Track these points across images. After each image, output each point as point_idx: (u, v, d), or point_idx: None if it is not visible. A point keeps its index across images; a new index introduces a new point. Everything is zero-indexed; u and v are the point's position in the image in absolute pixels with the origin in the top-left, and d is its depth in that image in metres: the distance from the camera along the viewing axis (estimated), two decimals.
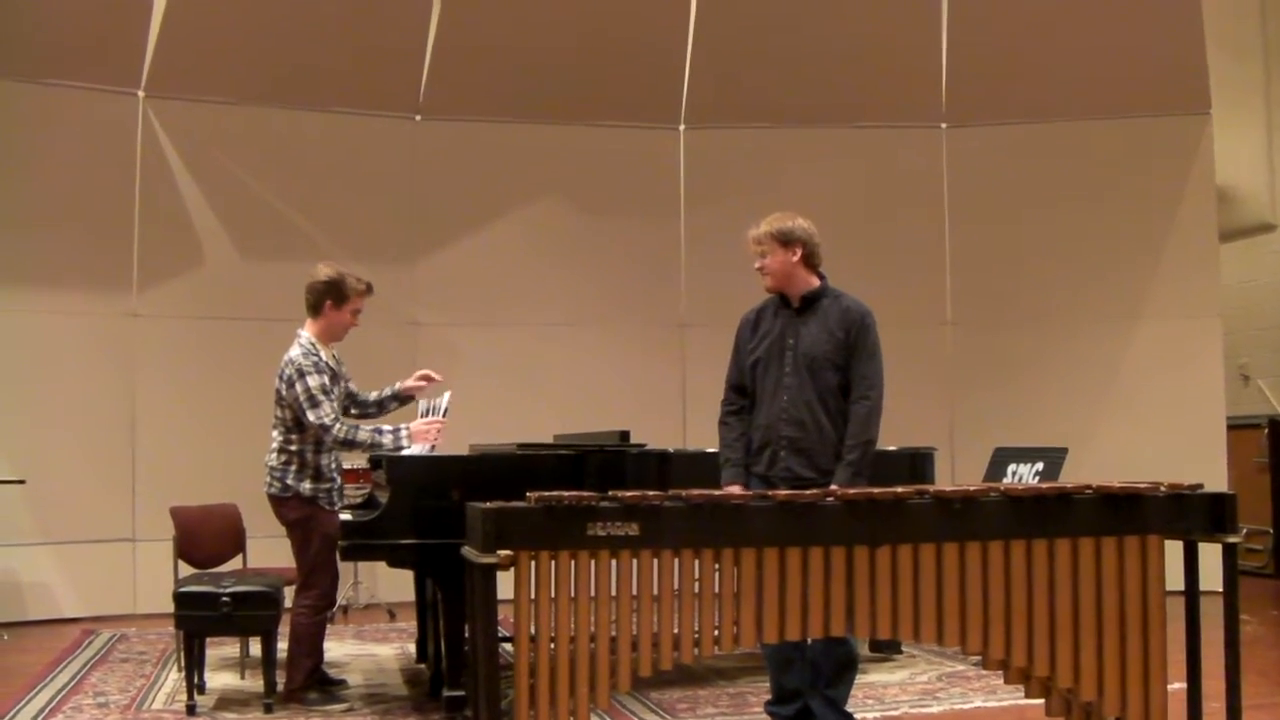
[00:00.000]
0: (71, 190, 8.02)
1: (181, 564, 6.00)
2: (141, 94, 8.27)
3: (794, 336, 4.52)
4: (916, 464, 6.03)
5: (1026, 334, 8.87)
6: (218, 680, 5.79)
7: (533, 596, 3.42)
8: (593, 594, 3.45)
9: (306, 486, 5.13)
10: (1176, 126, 8.78)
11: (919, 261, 9.03)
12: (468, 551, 3.58)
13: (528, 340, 8.84)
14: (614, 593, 3.48)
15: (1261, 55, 9.98)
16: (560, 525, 3.46)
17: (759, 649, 4.51)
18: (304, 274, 5.40)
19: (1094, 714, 3.77)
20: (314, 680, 5.26)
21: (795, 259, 4.52)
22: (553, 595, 3.43)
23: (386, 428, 5.17)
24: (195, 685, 5.21)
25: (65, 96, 7.99)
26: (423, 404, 5.42)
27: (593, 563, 3.46)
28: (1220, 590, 3.89)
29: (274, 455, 5.19)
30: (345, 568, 6.80)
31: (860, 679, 5.18)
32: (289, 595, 5.29)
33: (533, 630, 3.43)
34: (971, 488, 3.80)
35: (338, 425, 5.07)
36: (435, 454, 5.23)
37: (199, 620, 5.11)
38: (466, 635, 4.61)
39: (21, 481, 7.41)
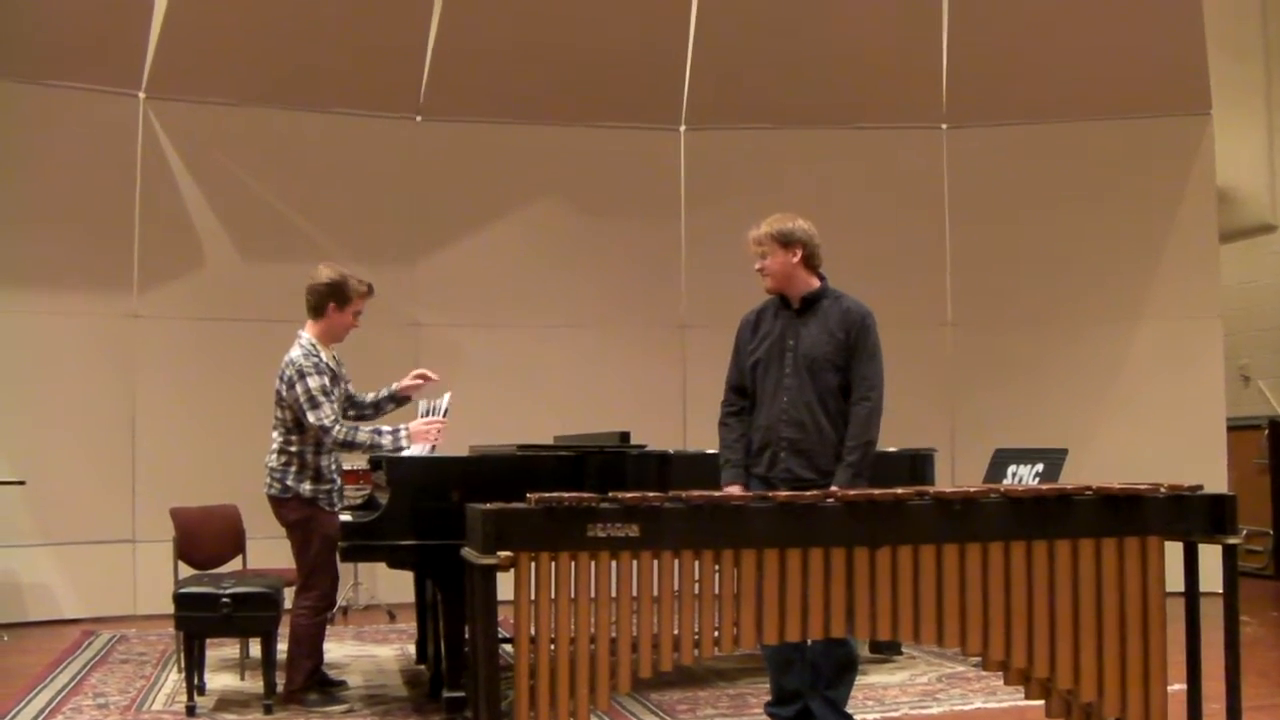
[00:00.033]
0: (72, 191, 8.02)
1: (181, 565, 6.00)
2: (142, 95, 8.27)
3: (794, 338, 4.52)
4: (916, 465, 6.04)
5: (1027, 335, 8.87)
6: (217, 681, 5.79)
7: (533, 598, 3.42)
8: (593, 595, 3.45)
9: (306, 488, 5.13)
10: (1177, 127, 8.78)
11: (919, 262, 9.03)
12: (468, 553, 3.58)
13: (528, 341, 8.84)
14: (614, 594, 3.48)
15: (1262, 56, 9.99)
16: (560, 526, 3.46)
17: (759, 650, 4.51)
18: (304, 275, 5.39)
19: (1094, 715, 3.77)
20: (314, 681, 5.26)
21: (795, 260, 4.52)
22: (553, 596, 3.43)
23: (386, 428, 5.17)
24: (195, 686, 5.21)
25: (66, 97, 7.99)
26: (423, 404, 5.42)
27: (593, 564, 3.46)
28: (1220, 591, 3.89)
29: (274, 456, 5.19)
30: (345, 569, 6.81)
31: (860, 680, 5.18)
32: (289, 596, 5.28)
33: (533, 631, 3.43)
34: (971, 489, 3.80)
35: (337, 427, 5.07)
36: (435, 455, 5.23)
37: (199, 621, 5.11)
38: (466, 636, 4.61)
39: (22, 482, 7.41)
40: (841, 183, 8.85)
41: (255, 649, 5.67)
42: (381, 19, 8.38)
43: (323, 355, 5.20)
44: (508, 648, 4.79)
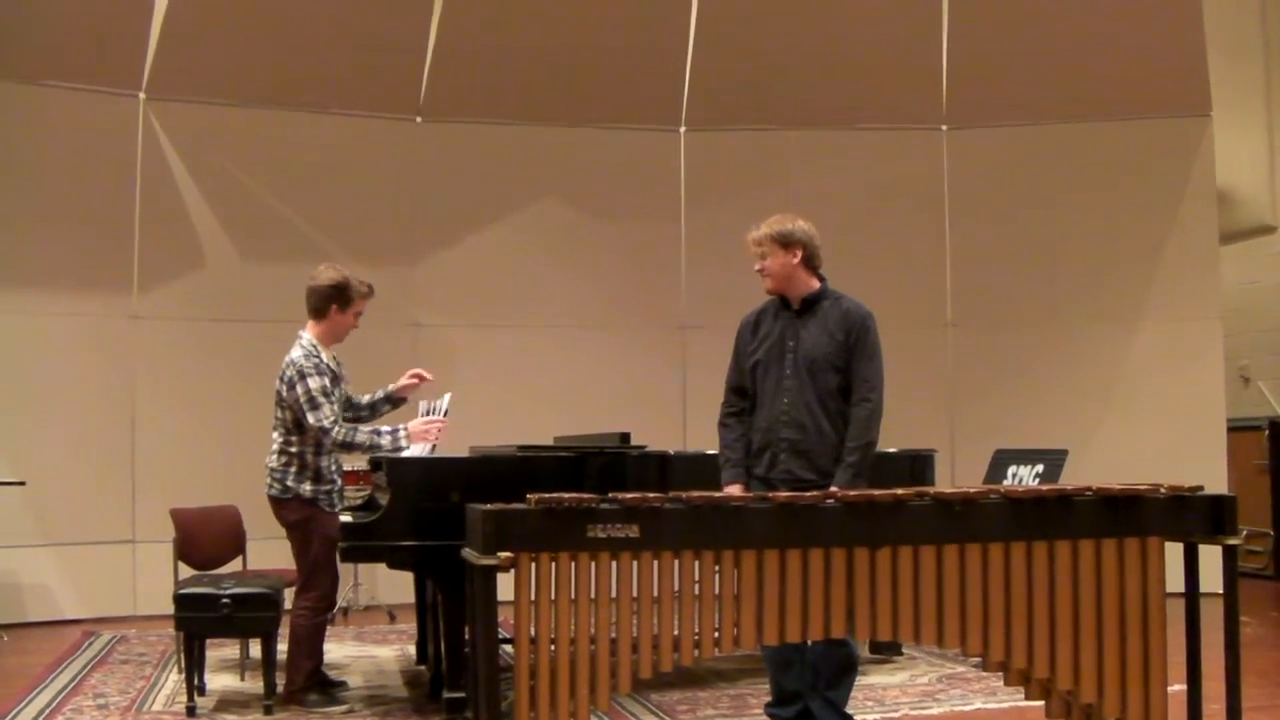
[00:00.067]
0: (72, 192, 8.02)
1: (182, 565, 6.00)
2: (142, 96, 8.28)
3: (794, 339, 4.52)
4: (916, 466, 6.04)
5: (1027, 336, 8.88)
6: (218, 682, 5.79)
7: (533, 598, 3.42)
8: (593, 596, 3.45)
9: (307, 488, 5.13)
10: (1177, 128, 8.78)
11: (919, 263, 9.03)
12: (468, 553, 3.58)
13: (528, 341, 8.84)
14: (614, 594, 3.49)
15: (1262, 57, 9.99)
16: (560, 527, 3.46)
17: (759, 651, 4.51)
18: (304, 276, 5.39)
19: (1094, 716, 3.77)
20: (314, 682, 5.26)
21: (795, 261, 4.52)
22: (553, 597, 3.43)
23: (385, 429, 5.17)
24: (195, 687, 5.21)
25: (66, 98, 7.99)
26: (422, 405, 5.42)
27: (593, 564, 3.46)
28: (1220, 592, 3.89)
29: (274, 457, 5.19)
30: (345, 569, 6.81)
31: (860, 681, 5.18)
32: (289, 597, 5.29)
33: (533, 632, 3.43)
34: (971, 489, 3.80)
35: (337, 428, 5.06)
36: (435, 456, 5.23)
37: (199, 622, 5.11)
38: (466, 637, 4.61)
39: (22, 483, 7.41)
40: (841, 184, 8.85)
41: (255, 650, 5.66)
42: (381, 20, 8.38)
43: (323, 356, 5.20)
44: (508, 648, 4.80)
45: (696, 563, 3.54)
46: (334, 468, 5.25)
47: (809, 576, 3.58)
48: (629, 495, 3.57)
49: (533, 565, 3.43)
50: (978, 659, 3.86)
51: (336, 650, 6.68)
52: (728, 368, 4.73)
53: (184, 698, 5.16)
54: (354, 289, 5.29)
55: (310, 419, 5.04)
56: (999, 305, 8.96)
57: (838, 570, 3.60)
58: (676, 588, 3.52)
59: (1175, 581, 3.82)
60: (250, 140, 8.47)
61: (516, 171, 8.90)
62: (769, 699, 4.73)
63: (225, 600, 5.08)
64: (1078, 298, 8.89)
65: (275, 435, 5.21)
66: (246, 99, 8.41)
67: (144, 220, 8.26)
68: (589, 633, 3.43)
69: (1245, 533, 4.35)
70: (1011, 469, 6.07)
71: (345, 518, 5.21)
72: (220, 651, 6.32)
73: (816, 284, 4.59)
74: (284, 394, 5.14)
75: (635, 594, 3.50)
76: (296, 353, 5.16)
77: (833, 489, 4.22)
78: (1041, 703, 3.85)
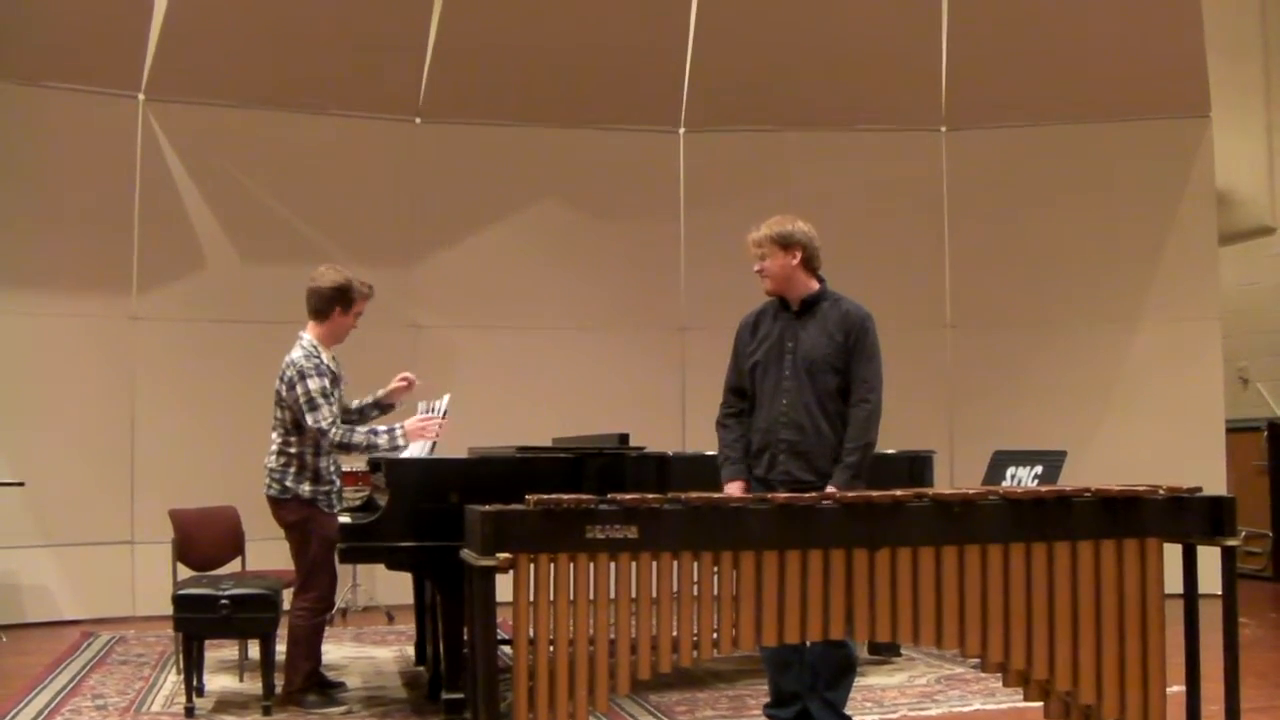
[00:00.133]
0: (72, 193, 8.02)
1: (180, 566, 6.00)
2: (141, 97, 8.27)
3: (793, 340, 4.52)
4: (915, 467, 6.04)
5: (1026, 337, 8.88)
6: (216, 682, 5.79)
7: (531, 599, 3.42)
8: (591, 597, 3.45)
9: (306, 489, 5.13)
10: (1176, 129, 8.78)
11: (919, 264, 9.04)
12: (467, 554, 3.58)
13: (527, 343, 8.84)
14: (613, 595, 3.49)
15: (1261, 58, 9.99)
16: (559, 528, 3.46)
17: (758, 652, 4.51)
18: (304, 277, 5.39)
19: (1093, 717, 3.77)
20: (312, 683, 5.26)
21: (795, 262, 4.52)
22: (551, 598, 3.43)
23: (381, 428, 5.17)
24: (194, 688, 5.20)
25: (66, 99, 7.99)
26: (421, 406, 5.42)
27: (591, 565, 3.46)
28: (1219, 593, 3.89)
29: (273, 457, 5.19)
30: (344, 570, 6.80)
31: (859, 682, 5.18)
32: (288, 598, 5.28)
33: (531, 633, 3.43)
34: (970, 491, 3.80)
35: (334, 429, 5.06)
36: (434, 457, 5.23)
37: (198, 622, 5.11)
38: (465, 638, 4.61)
39: (21, 484, 7.40)
40: (841, 185, 8.85)
41: (254, 650, 5.66)
42: (381, 20, 8.38)
43: (324, 357, 5.20)
44: (506, 649, 4.79)
45: (695, 564, 3.54)
46: (333, 468, 5.25)
47: (808, 577, 3.58)
48: (628, 496, 3.57)
49: (531, 566, 3.43)
50: (976, 660, 3.86)
51: (335, 651, 6.68)
52: (726, 368, 4.73)
53: (183, 698, 5.15)
54: (356, 290, 5.30)
55: (309, 420, 5.04)
56: (998, 306, 8.96)
57: (836, 571, 3.60)
58: (675, 589, 3.52)
59: (1174, 583, 3.82)
60: (250, 141, 8.47)
61: (516, 172, 8.90)
62: (768, 700, 4.73)
63: (224, 601, 5.08)
64: (1077, 299, 8.89)
65: (274, 436, 5.21)
66: (246, 100, 8.41)
67: (143, 221, 8.26)
68: (588, 634, 3.43)
69: (1244, 534, 4.36)
70: (1010, 470, 6.07)
71: (344, 519, 5.21)
72: (219, 652, 6.32)
73: (816, 285, 4.59)
74: (283, 394, 5.14)
75: (634, 595, 3.50)
76: (297, 353, 5.16)
77: (830, 489, 4.24)
78: (1040, 704, 3.86)
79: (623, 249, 8.97)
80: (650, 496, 3.59)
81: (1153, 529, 3.79)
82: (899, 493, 3.74)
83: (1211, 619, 3.84)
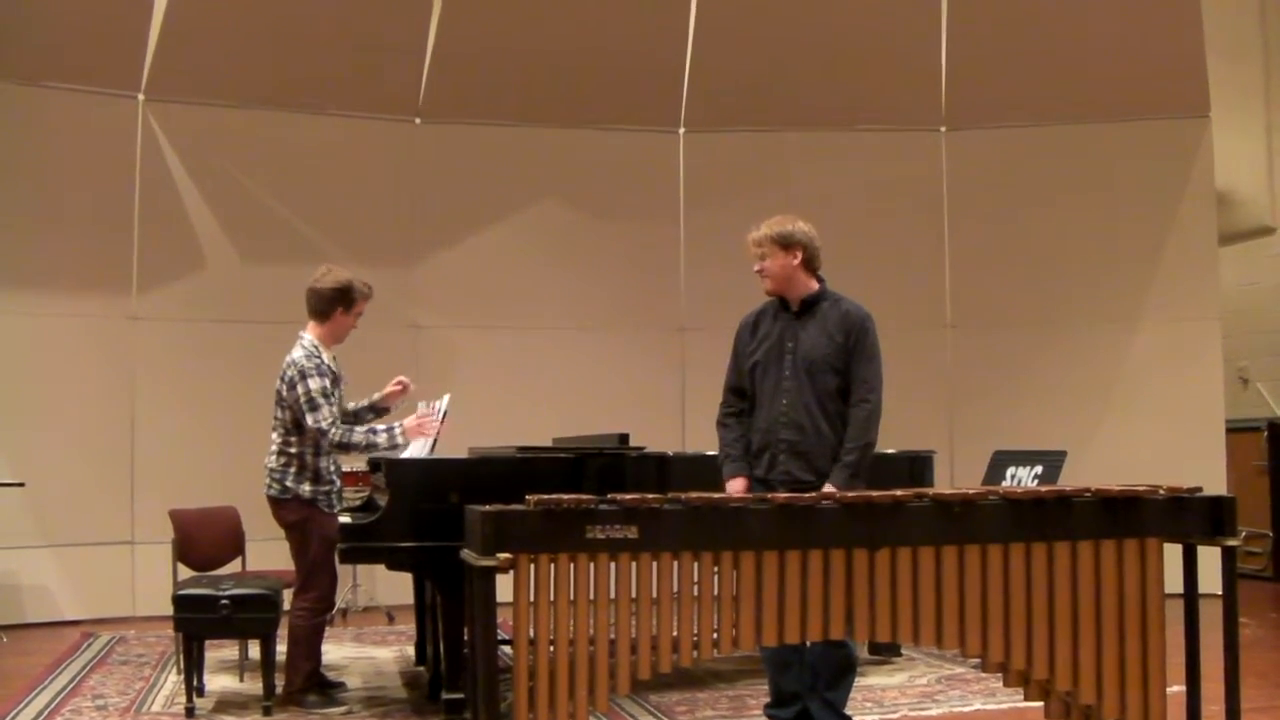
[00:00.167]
0: (72, 193, 8.02)
1: (181, 566, 6.00)
2: (141, 97, 8.27)
3: (793, 340, 4.52)
4: (915, 467, 6.04)
5: (1026, 336, 8.88)
6: (217, 683, 5.79)
7: (532, 599, 3.42)
8: (592, 597, 3.45)
9: (306, 489, 5.13)
10: (1176, 129, 8.79)
11: (919, 264, 9.04)
12: (467, 554, 3.58)
13: (527, 343, 8.84)
14: (613, 595, 3.49)
15: (1261, 58, 10.00)
16: (559, 528, 3.46)
17: (758, 652, 4.51)
18: (304, 277, 5.39)
19: (1093, 717, 3.77)
20: (313, 683, 5.26)
21: (796, 262, 4.52)
22: (552, 598, 3.43)
23: (380, 427, 5.19)
24: (194, 688, 5.20)
25: (65, 99, 7.99)
26: (421, 406, 5.42)
27: (592, 565, 3.46)
28: (1219, 593, 3.89)
29: (273, 457, 5.19)
30: (344, 570, 6.80)
31: (859, 682, 5.18)
32: (288, 598, 5.28)
33: (532, 633, 3.43)
34: (970, 491, 3.80)
35: (334, 429, 5.07)
36: (434, 457, 5.23)
37: (198, 623, 5.11)
38: (465, 638, 4.61)
39: (21, 484, 7.40)
40: (841, 185, 8.85)
41: (254, 651, 5.66)
42: (381, 21, 8.38)
43: (324, 357, 5.21)
44: (507, 649, 4.79)
45: (695, 564, 3.54)
46: (333, 468, 5.25)
47: (808, 577, 3.58)
48: (628, 496, 3.57)
49: (532, 566, 3.43)
50: (977, 660, 3.86)
51: (335, 651, 6.68)
52: (726, 369, 4.73)
53: (183, 699, 5.15)
54: (357, 291, 5.30)
55: (309, 420, 5.04)
56: (998, 306, 8.96)
57: (837, 571, 3.60)
58: (675, 589, 3.52)
59: (1174, 583, 3.82)
60: (249, 141, 8.47)
61: (516, 173, 8.90)
62: (768, 700, 4.73)
63: (224, 601, 5.08)
64: (1077, 299, 8.89)
65: (274, 436, 5.21)
66: (246, 100, 8.41)
67: (143, 221, 8.26)
68: (588, 634, 3.43)
69: (1244, 534, 4.36)
70: (1010, 470, 6.07)
71: (344, 519, 5.21)
72: (219, 652, 6.32)
73: (815, 285, 4.59)
74: (284, 393, 5.14)
75: (634, 595, 3.50)
76: (298, 353, 5.16)
77: (827, 487, 4.25)
78: (1041, 704, 3.86)
79: (623, 249, 8.97)
80: (650, 497, 3.59)
81: (1153, 529, 3.79)
82: (899, 493, 3.74)
83: (1212, 619, 3.84)
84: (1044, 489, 4.00)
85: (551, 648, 3.43)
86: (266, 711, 5.06)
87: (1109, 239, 8.87)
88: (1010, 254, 8.94)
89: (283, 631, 5.20)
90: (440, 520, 4.84)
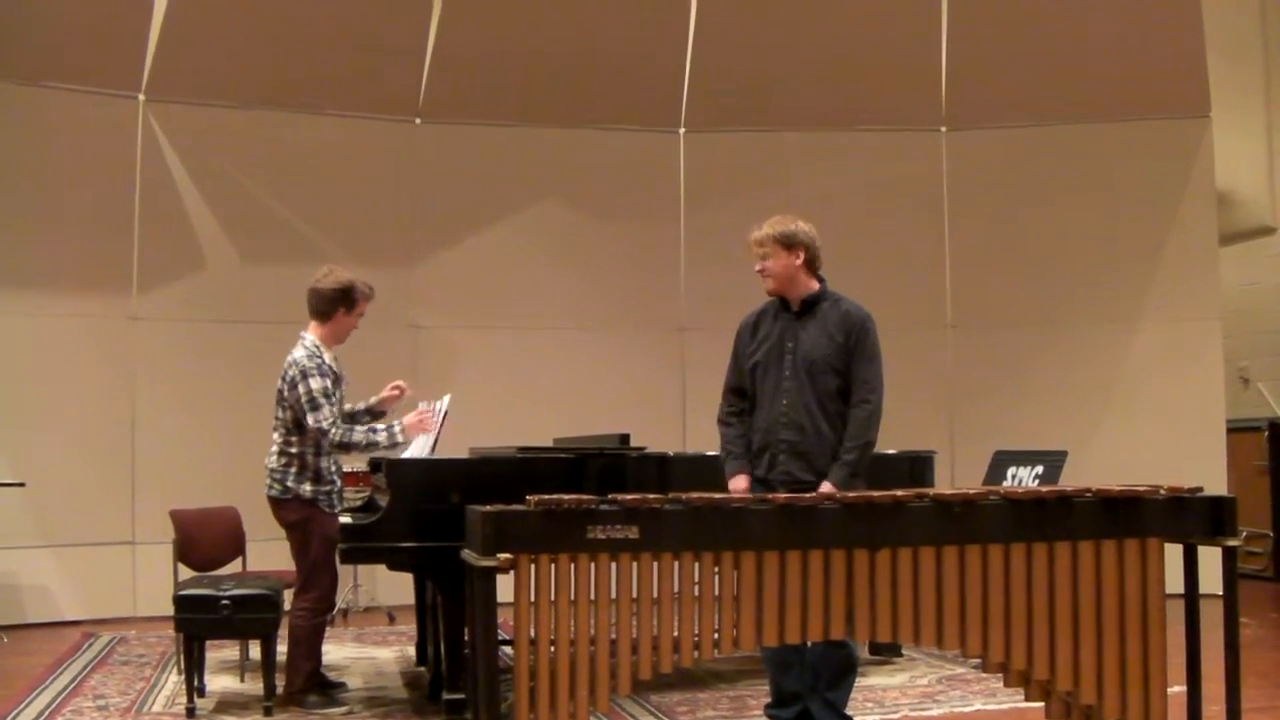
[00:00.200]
0: (72, 193, 8.02)
1: (181, 567, 6.00)
2: (142, 97, 8.27)
3: (793, 340, 4.52)
4: (916, 467, 6.04)
5: (1026, 336, 8.88)
6: (217, 683, 5.79)
7: (532, 599, 3.42)
8: (592, 597, 3.45)
9: (307, 489, 5.13)
10: (1176, 129, 8.78)
11: (919, 264, 9.04)
12: (467, 555, 3.58)
13: (527, 343, 8.84)
14: (614, 596, 3.49)
15: (1261, 58, 10.00)
16: (560, 528, 3.46)
17: (758, 652, 4.51)
18: (304, 277, 5.39)
19: (1094, 717, 3.77)
20: (313, 683, 5.26)
21: (798, 262, 4.52)
22: (552, 598, 3.43)
23: (380, 426, 5.20)
24: (195, 688, 5.20)
25: (66, 100, 7.99)
26: (422, 405, 5.42)
27: (592, 566, 3.46)
28: (1220, 593, 3.89)
29: (274, 458, 5.19)
30: (345, 570, 6.80)
31: (860, 682, 5.18)
32: (289, 598, 5.29)
33: (532, 633, 3.43)
34: (971, 491, 3.80)
35: (335, 429, 5.07)
36: (435, 457, 5.24)
37: (199, 623, 5.11)
38: (466, 638, 4.60)
39: (22, 484, 7.40)
40: (841, 185, 8.85)
41: (255, 651, 5.67)
42: (381, 21, 8.38)
43: (326, 357, 5.21)
44: (507, 649, 4.80)
45: (696, 564, 3.54)
46: (334, 469, 5.25)
47: (808, 578, 3.58)
48: (629, 496, 3.57)
49: (532, 566, 3.43)
50: (977, 660, 3.86)
51: (336, 651, 6.68)
52: (727, 369, 4.73)
53: (184, 699, 5.15)
54: (359, 291, 5.31)
55: (310, 419, 5.05)
56: (998, 306, 8.96)
57: (837, 571, 3.60)
58: (676, 589, 3.52)
59: (1175, 583, 3.82)
60: (250, 141, 8.47)
61: (516, 173, 8.90)
62: (769, 700, 4.73)
63: (225, 601, 5.08)
64: (1077, 299, 8.89)
65: (275, 436, 5.21)
66: (246, 100, 8.41)
67: (144, 221, 8.26)
68: (589, 634, 3.43)
69: (1245, 534, 4.36)
70: (1011, 470, 6.07)
71: (345, 519, 5.21)
72: (220, 653, 6.32)
73: (816, 285, 4.59)
74: (285, 393, 5.14)
75: (635, 595, 3.50)
76: (300, 352, 5.17)
77: (825, 484, 4.25)
78: (1041, 704, 3.85)
79: (623, 249, 8.97)
80: (651, 497, 3.59)
81: (1153, 529, 3.79)
82: (900, 493, 3.74)
83: (1212, 619, 3.83)
84: (1045, 489, 4.00)
85: (552, 648, 3.43)
86: (267, 712, 5.06)
87: (1109, 239, 8.87)
88: (1011, 254, 8.94)
89: (283, 632, 5.20)
90: (441, 520, 4.84)
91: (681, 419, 8.80)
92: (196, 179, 8.38)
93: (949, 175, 9.12)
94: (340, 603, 7.51)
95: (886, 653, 6.33)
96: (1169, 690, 3.80)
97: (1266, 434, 9.50)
